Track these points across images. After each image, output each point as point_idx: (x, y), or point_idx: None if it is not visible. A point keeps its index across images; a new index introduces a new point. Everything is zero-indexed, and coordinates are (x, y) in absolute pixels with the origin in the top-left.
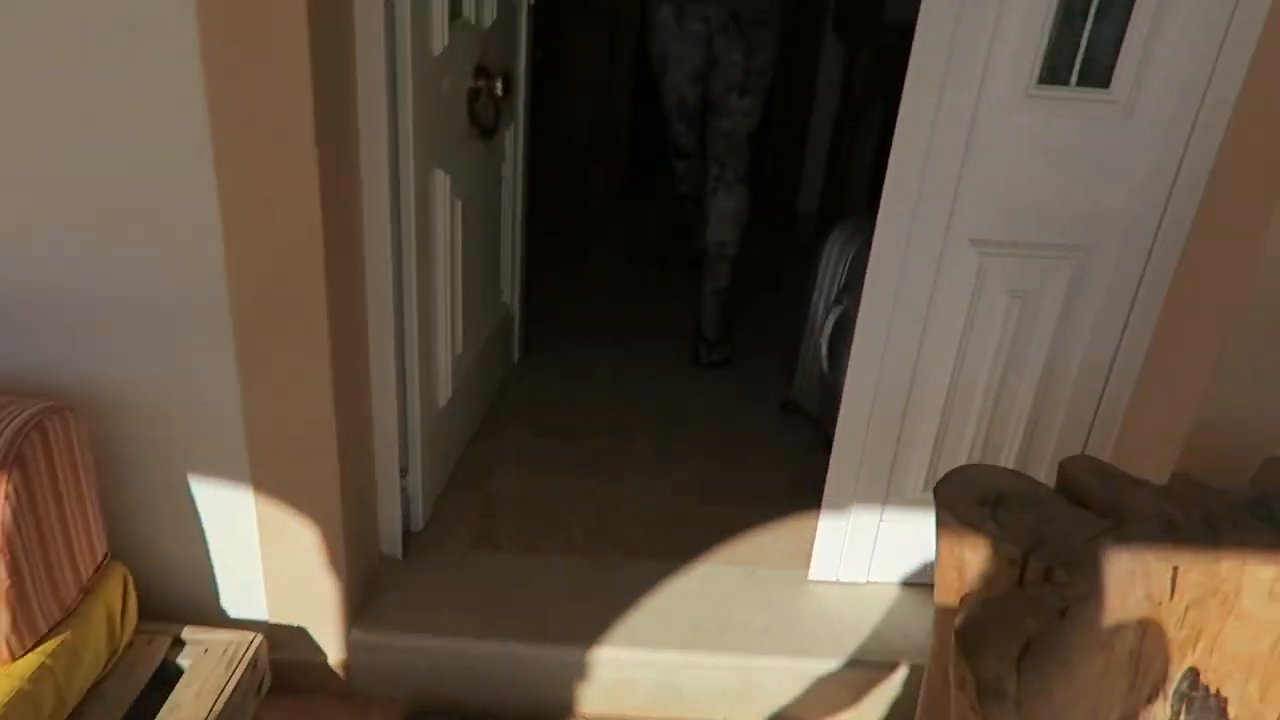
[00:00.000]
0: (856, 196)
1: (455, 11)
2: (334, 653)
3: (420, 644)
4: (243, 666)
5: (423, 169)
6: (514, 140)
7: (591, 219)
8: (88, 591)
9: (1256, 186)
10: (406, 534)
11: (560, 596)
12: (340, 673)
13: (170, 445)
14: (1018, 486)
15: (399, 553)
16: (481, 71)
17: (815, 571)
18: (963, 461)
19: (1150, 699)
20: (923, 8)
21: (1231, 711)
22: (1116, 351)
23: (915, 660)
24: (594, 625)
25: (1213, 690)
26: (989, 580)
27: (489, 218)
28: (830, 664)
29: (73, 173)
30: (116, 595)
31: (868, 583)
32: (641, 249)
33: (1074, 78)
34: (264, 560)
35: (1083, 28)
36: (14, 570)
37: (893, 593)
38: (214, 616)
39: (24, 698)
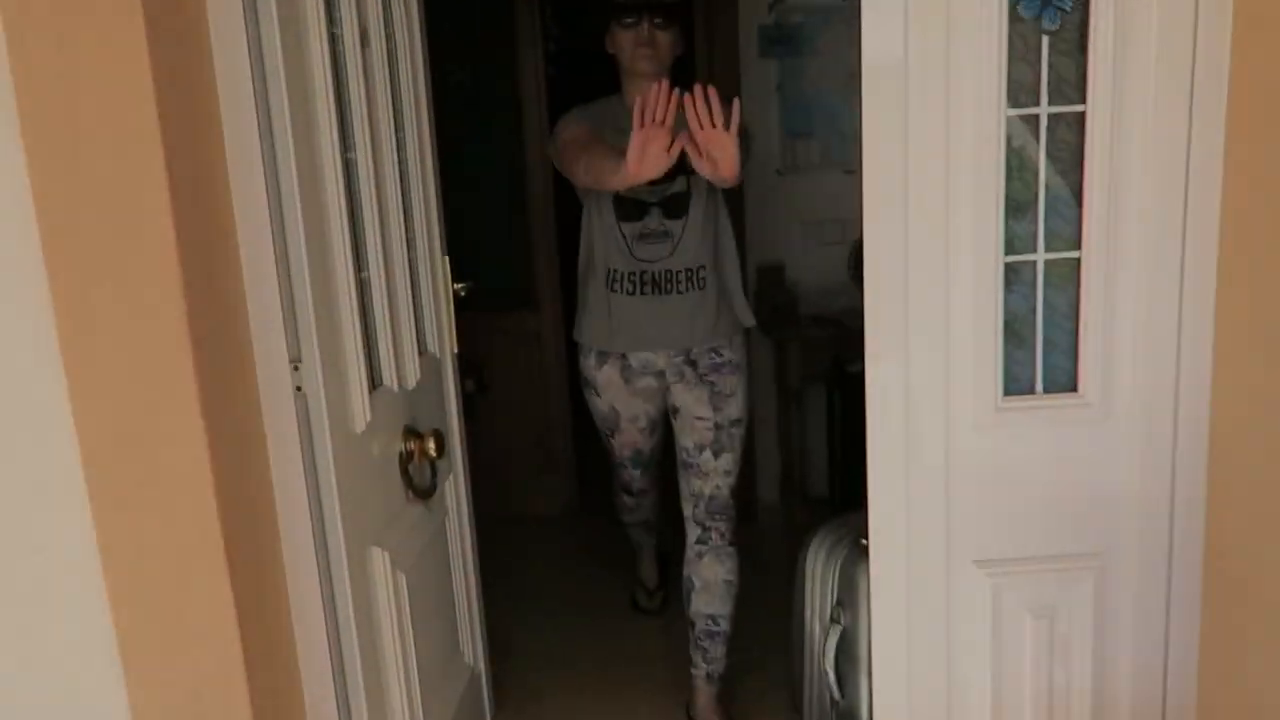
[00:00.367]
0: (817, 482)
1: (375, 381)
2: None
3: None
4: None
5: (357, 550)
6: (454, 491)
7: (544, 537)
8: None
9: (1258, 458)
10: None
11: None
12: None
13: None
14: None
15: None
16: (411, 433)
17: None
18: None
19: None
20: (868, 350)
21: None
22: (1166, 655)
23: None
24: None
25: None
26: None
27: (439, 580)
28: None
29: None
30: None
31: None
32: (605, 573)
33: (1039, 386)
34: None
35: (1035, 343)
36: None
37: None
38: None
39: None
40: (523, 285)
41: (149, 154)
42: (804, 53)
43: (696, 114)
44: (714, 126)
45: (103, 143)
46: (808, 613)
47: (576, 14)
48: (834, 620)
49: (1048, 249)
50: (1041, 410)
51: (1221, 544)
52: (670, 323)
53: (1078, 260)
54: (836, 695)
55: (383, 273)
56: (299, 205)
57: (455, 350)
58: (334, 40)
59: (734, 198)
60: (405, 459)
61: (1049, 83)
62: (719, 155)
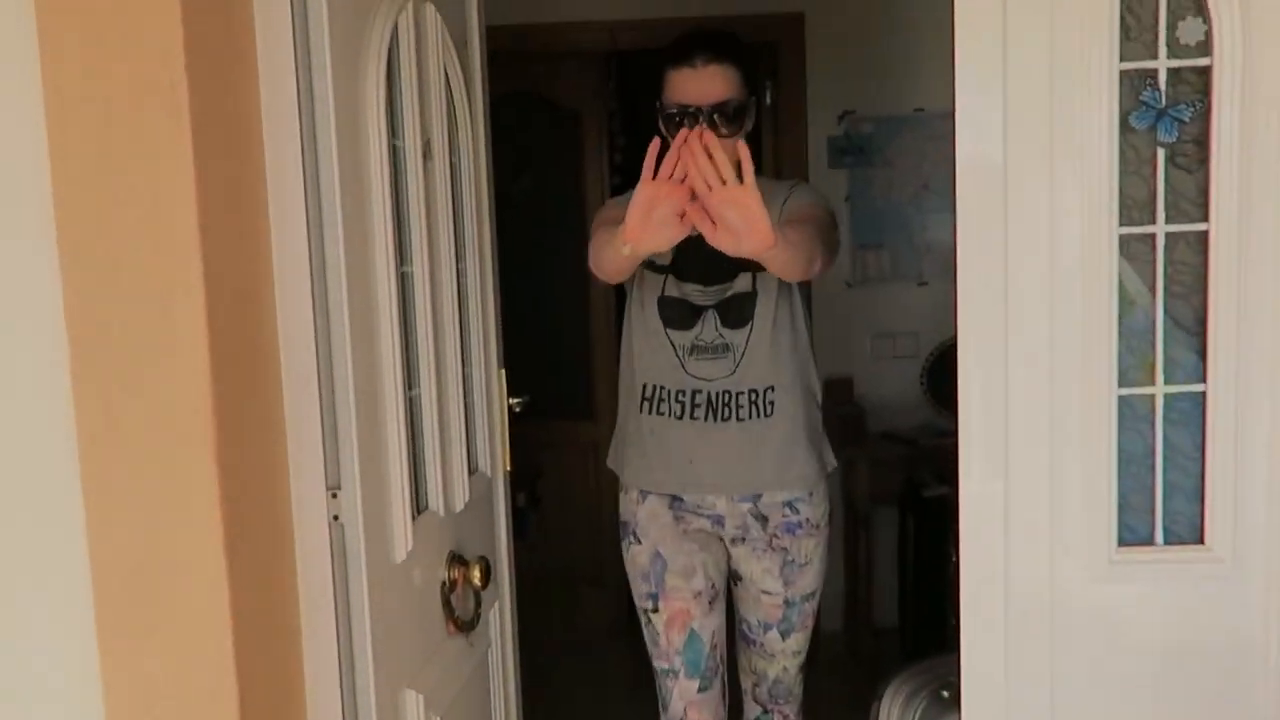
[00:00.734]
0: (886, 612)
1: (420, 505)
2: None
3: None
4: None
5: (389, 695)
6: (499, 620)
7: (593, 658)
8: None
9: None
10: None
11: None
12: None
13: None
14: None
15: None
16: (456, 560)
17: None
18: None
19: None
20: (963, 491)
21: None
22: None
23: None
24: None
25: None
26: None
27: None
28: None
29: None
30: None
31: None
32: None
33: (1159, 536)
34: None
35: (1154, 487)
36: None
37: None
38: None
39: None
40: (579, 394)
41: (187, 265)
42: (874, 163)
43: (697, 169)
44: (722, 184)
45: (139, 252)
46: None
47: (644, 122)
48: None
49: (1167, 381)
50: (1162, 564)
51: None
52: (729, 458)
53: (1202, 394)
54: None
55: (434, 389)
56: (347, 322)
57: (508, 468)
58: (395, 152)
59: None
60: (448, 589)
61: (1165, 198)
62: (737, 219)
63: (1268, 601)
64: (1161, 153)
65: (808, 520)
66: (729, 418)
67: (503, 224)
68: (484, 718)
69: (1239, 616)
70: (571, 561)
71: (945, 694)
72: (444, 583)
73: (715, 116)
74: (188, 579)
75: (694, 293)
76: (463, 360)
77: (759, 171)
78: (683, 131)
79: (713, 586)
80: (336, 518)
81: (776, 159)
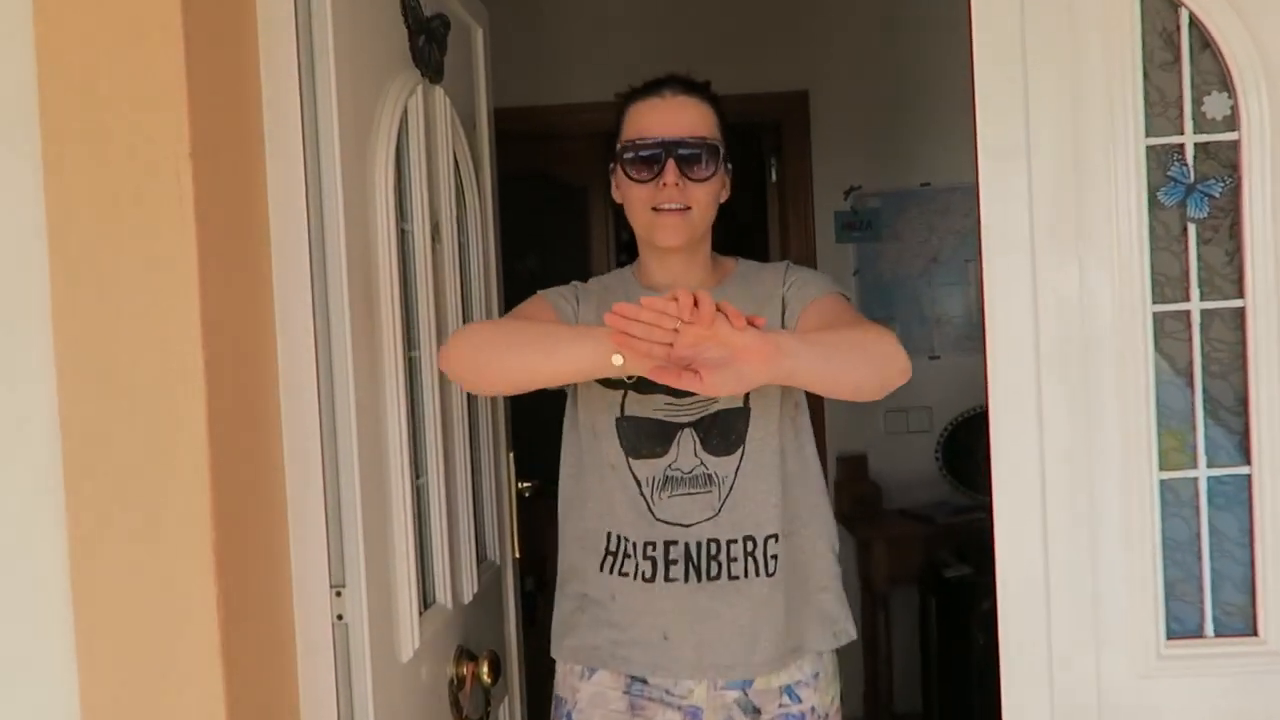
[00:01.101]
0: (907, 696)
1: (427, 600)
2: None
3: None
4: None
5: None
6: (508, 717)
7: None
8: None
9: None
10: None
11: None
12: None
13: None
14: None
15: None
16: (464, 655)
17: None
18: None
19: None
20: (1000, 577)
21: None
22: None
23: None
24: None
25: None
26: None
27: None
28: None
29: None
30: None
31: None
32: None
33: (1209, 628)
34: None
35: (1201, 576)
36: None
37: None
38: None
39: None
40: None
41: (187, 360)
42: (882, 237)
43: (641, 329)
44: (674, 330)
45: (138, 346)
46: None
47: None
48: None
49: (1210, 464)
50: (1214, 659)
51: None
52: (716, 632)
53: (1246, 477)
54: None
55: (442, 478)
56: (353, 413)
57: (517, 555)
58: (403, 235)
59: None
60: (456, 687)
61: (1199, 275)
62: (718, 352)
63: None
64: (1192, 228)
65: (812, 710)
66: (717, 575)
67: (511, 302)
68: None
69: None
70: None
71: None
72: (452, 680)
73: (683, 154)
74: (182, 687)
75: (664, 407)
76: (471, 445)
77: (763, 248)
78: (680, 295)
79: None
80: (340, 617)
81: (783, 234)
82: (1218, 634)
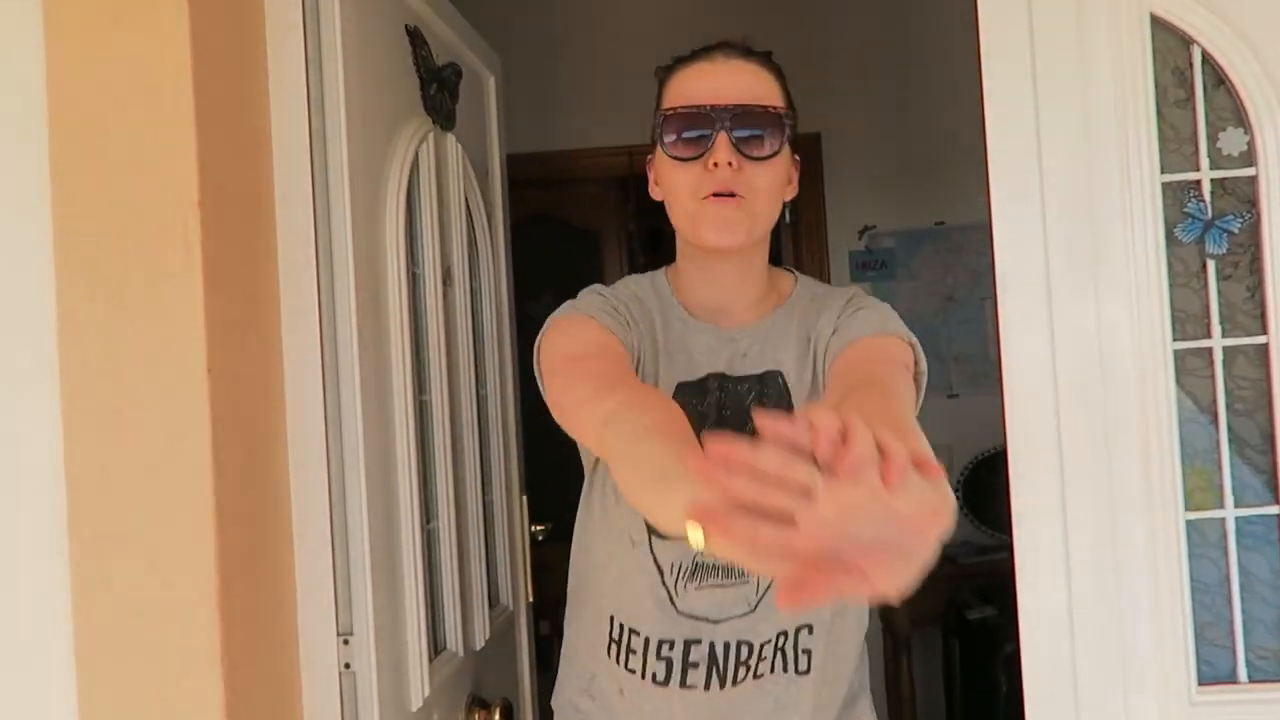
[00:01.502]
0: None
1: (437, 646)
2: None
3: None
4: None
5: None
6: None
7: None
8: None
9: None
10: None
11: None
12: None
13: None
14: None
15: None
16: (476, 704)
17: None
18: None
19: None
20: (1023, 622)
21: None
22: None
23: None
24: None
25: None
26: None
27: None
28: None
29: None
30: None
31: None
32: None
33: (1241, 673)
34: None
35: (1232, 619)
36: None
37: None
38: None
39: None
40: None
41: (193, 407)
42: (897, 276)
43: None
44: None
45: (144, 395)
46: None
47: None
48: None
49: (1237, 503)
50: (1248, 704)
51: None
52: None
53: (1276, 516)
54: None
55: (453, 522)
56: (362, 457)
57: (531, 599)
58: (414, 280)
59: None
60: None
61: (1220, 311)
62: (874, 539)
63: None
64: (1212, 264)
65: None
66: (743, 678)
67: (524, 345)
68: None
69: None
70: None
71: None
72: None
73: (739, 125)
74: None
75: None
76: (483, 488)
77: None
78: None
79: None
80: (348, 665)
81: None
82: (1251, 679)
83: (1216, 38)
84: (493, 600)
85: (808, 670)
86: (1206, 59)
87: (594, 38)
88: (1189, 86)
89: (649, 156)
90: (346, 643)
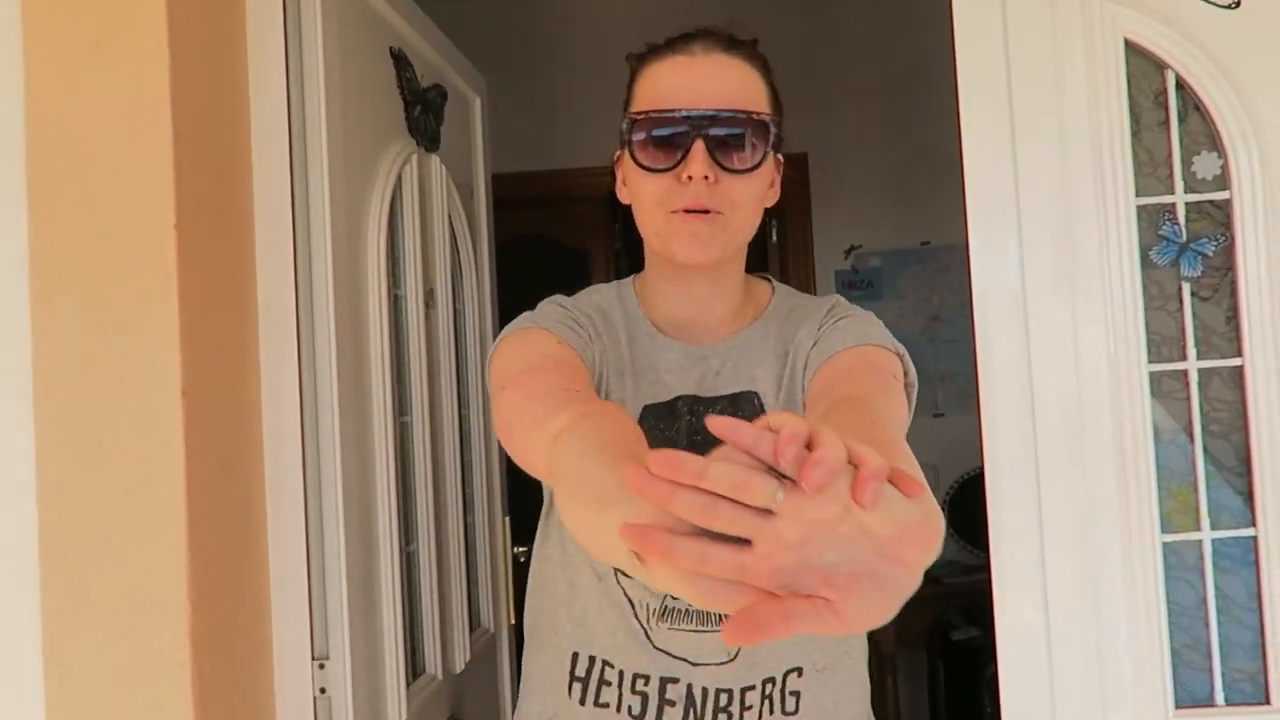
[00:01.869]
0: None
1: (416, 669)
2: None
3: None
4: None
5: None
6: None
7: None
8: None
9: None
10: None
11: None
12: None
13: None
14: None
15: None
16: None
17: None
18: None
19: None
20: (1000, 647)
21: None
22: None
23: None
24: None
25: None
26: None
27: None
28: None
29: None
30: None
31: None
32: None
33: (1219, 696)
34: None
35: (1209, 642)
36: None
37: None
38: None
39: None
40: None
41: (168, 431)
42: (884, 296)
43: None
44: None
45: (118, 417)
46: None
47: None
48: None
49: (1214, 525)
50: None
51: None
52: None
53: (1253, 539)
54: None
55: (433, 544)
56: (339, 481)
57: (512, 622)
58: (396, 301)
59: None
60: None
61: (1195, 334)
62: (845, 563)
63: None
64: (1187, 287)
65: None
66: None
67: None
68: None
69: None
70: None
71: None
72: None
73: (717, 134)
74: None
75: None
76: (464, 509)
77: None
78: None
79: None
80: (323, 690)
81: None
82: (1229, 702)
83: (1190, 63)
84: (474, 623)
85: (795, 711)
86: (1181, 84)
87: (582, 57)
88: (1164, 110)
89: (616, 154)
90: (322, 667)
